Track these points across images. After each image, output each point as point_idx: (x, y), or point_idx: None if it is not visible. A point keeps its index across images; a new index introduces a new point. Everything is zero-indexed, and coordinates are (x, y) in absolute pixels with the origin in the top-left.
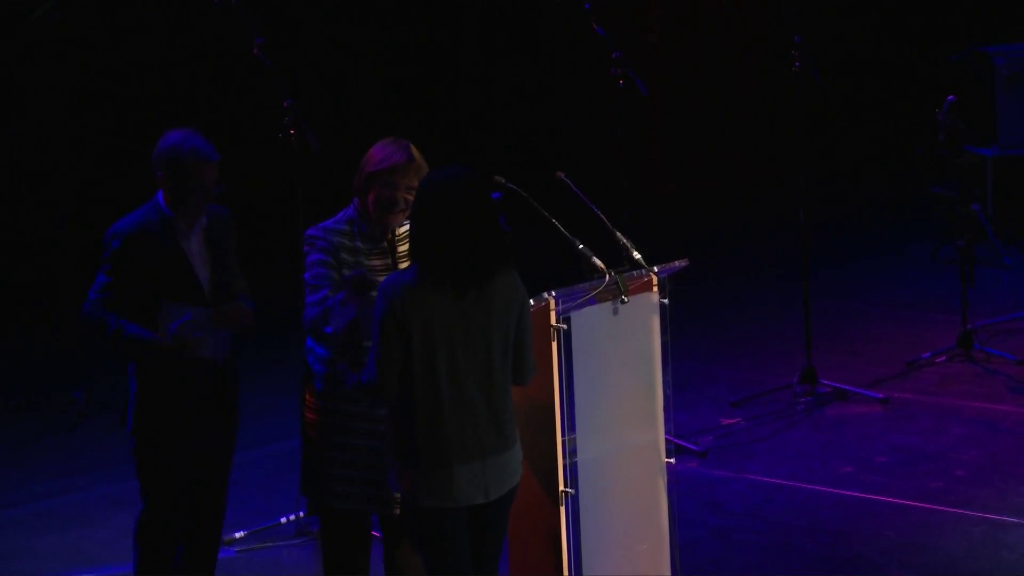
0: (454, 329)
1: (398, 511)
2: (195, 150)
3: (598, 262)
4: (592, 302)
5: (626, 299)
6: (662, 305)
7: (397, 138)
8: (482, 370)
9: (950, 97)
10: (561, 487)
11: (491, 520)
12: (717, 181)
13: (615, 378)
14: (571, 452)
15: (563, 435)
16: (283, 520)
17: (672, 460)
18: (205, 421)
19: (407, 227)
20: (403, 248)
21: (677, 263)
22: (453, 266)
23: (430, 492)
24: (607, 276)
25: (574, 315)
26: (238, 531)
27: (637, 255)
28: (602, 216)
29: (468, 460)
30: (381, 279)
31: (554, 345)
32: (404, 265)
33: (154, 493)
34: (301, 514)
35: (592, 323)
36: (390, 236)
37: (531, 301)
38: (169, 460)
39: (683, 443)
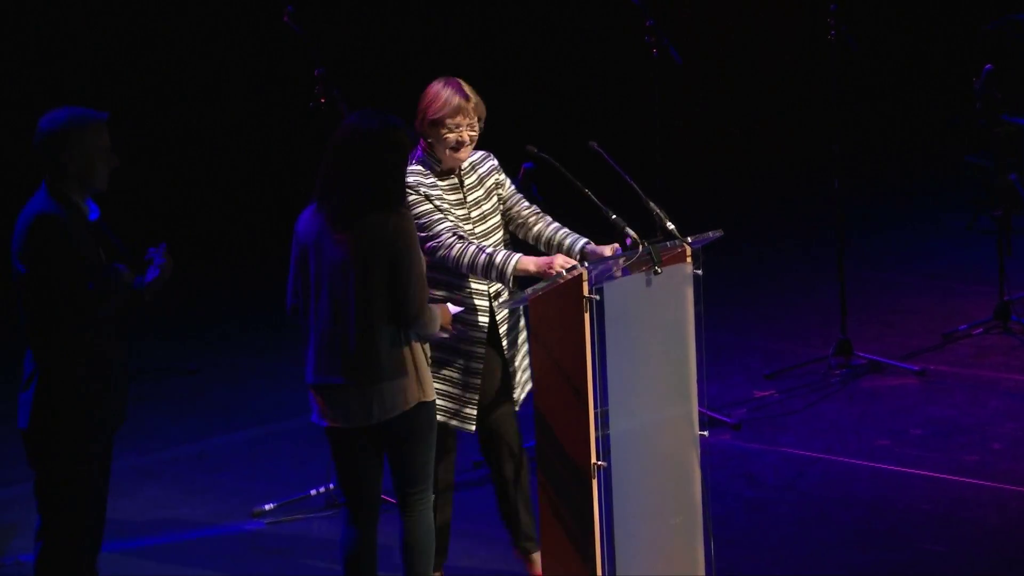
0: (327, 261)
1: (474, 427)
2: (85, 115)
3: (631, 232)
4: (625, 273)
5: (659, 270)
6: (695, 276)
7: (448, 79)
8: (342, 303)
9: (987, 66)
10: (593, 460)
11: (384, 444)
12: (752, 150)
13: (648, 350)
14: (603, 424)
15: (595, 407)
16: (313, 492)
17: (705, 432)
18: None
19: (473, 158)
20: (469, 181)
21: (711, 233)
22: (325, 198)
23: (313, 410)
24: (640, 246)
25: (607, 286)
26: (268, 503)
27: (671, 225)
28: (636, 186)
29: (326, 385)
30: (458, 212)
31: (587, 316)
32: (472, 197)
33: (79, 498)
34: (331, 486)
35: (625, 294)
36: (458, 171)
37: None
38: (91, 453)
39: (716, 415)
